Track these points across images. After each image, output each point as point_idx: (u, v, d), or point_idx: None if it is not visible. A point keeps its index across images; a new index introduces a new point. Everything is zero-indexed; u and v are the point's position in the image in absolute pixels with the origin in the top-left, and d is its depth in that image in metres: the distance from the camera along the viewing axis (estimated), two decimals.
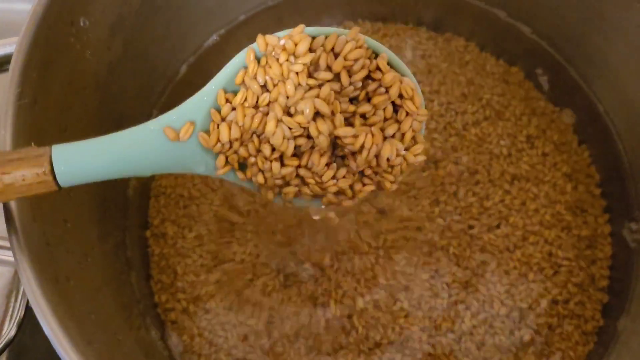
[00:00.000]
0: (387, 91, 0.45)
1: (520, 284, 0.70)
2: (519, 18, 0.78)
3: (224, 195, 0.74)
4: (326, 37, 0.44)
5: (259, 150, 0.46)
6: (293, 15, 0.82)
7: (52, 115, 0.54)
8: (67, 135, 0.57)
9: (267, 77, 0.44)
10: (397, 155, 0.46)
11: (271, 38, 0.45)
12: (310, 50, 0.44)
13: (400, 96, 0.45)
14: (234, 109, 0.45)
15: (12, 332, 0.58)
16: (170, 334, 0.70)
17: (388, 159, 0.46)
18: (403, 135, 0.46)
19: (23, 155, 0.42)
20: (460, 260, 0.71)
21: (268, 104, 0.44)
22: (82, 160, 0.43)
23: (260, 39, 0.45)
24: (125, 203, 0.72)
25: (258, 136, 0.45)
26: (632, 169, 0.73)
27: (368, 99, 0.45)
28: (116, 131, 0.66)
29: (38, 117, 0.52)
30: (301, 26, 0.45)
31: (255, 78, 0.44)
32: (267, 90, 0.44)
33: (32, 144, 0.44)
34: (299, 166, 0.46)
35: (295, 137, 0.44)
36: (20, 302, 0.60)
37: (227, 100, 0.46)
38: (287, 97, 0.44)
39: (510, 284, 0.70)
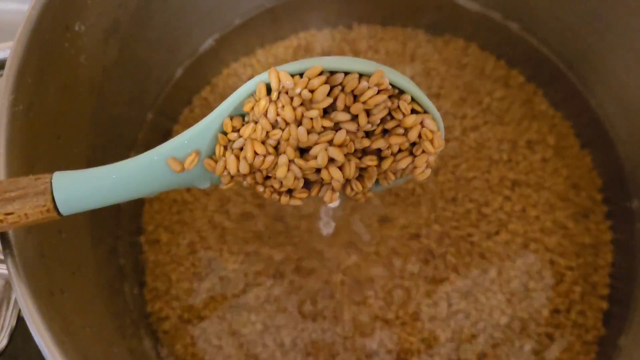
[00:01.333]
0: (405, 131, 0.43)
1: (521, 293, 0.69)
2: (518, 22, 0.78)
3: (218, 201, 0.74)
4: (345, 75, 0.41)
5: (266, 177, 0.44)
6: (289, 18, 0.81)
7: (46, 121, 0.54)
8: (62, 142, 0.56)
9: (279, 118, 0.41)
10: (415, 170, 0.44)
11: (285, 78, 0.41)
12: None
13: (419, 135, 0.43)
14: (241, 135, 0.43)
15: (4, 342, 0.57)
16: (163, 343, 0.69)
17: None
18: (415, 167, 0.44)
19: (22, 191, 0.41)
20: (460, 268, 0.70)
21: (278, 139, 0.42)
22: (84, 190, 0.42)
23: (273, 75, 0.41)
24: (117, 209, 0.72)
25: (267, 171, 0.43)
26: (633, 174, 0.72)
27: (384, 131, 0.43)
28: (110, 136, 0.66)
29: (33, 124, 0.51)
30: (318, 68, 0.41)
31: (265, 115, 0.41)
32: (279, 126, 0.42)
33: (30, 175, 0.43)
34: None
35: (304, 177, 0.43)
36: (12, 312, 0.59)
37: (234, 129, 0.43)
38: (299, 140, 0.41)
39: (511, 293, 0.69)
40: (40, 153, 0.52)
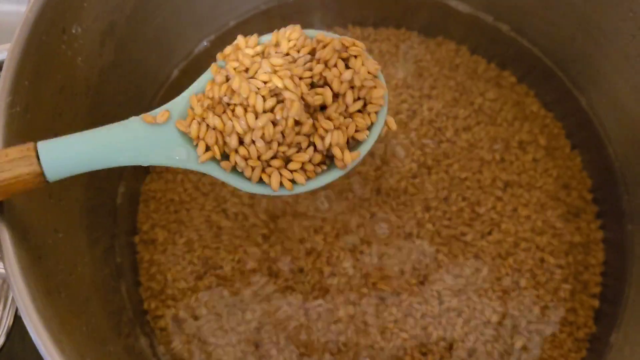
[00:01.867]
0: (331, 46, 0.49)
1: (513, 291, 0.70)
2: (510, 24, 0.79)
3: (214, 200, 0.74)
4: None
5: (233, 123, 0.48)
6: (283, 20, 0.81)
7: (43, 122, 0.54)
8: None
9: (228, 67, 0.49)
10: (358, 76, 0.49)
11: (227, 48, 0.51)
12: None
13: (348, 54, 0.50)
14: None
15: (1, 341, 0.57)
16: (160, 341, 0.70)
17: (353, 86, 0.49)
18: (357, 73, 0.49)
19: (18, 153, 0.44)
20: (452, 267, 0.71)
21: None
22: (66, 148, 0.45)
23: (219, 54, 0.51)
24: (114, 209, 0.72)
25: (232, 111, 0.48)
26: (623, 174, 0.73)
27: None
28: None
29: (29, 125, 0.51)
30: (253, 35, 0.51)
31: (219, 73, 0.49)
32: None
33: None
34: (274, 123, 0.47)
35: (264, 100, 0.47)
36: (9, 311, 0.60)
37: (199, 100, 0.49)
38: (247, 71, 0.48)
39: (503, 291, 0.70)
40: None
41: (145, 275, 0.72)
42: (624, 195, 0.73)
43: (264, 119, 0.46)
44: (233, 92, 0.47)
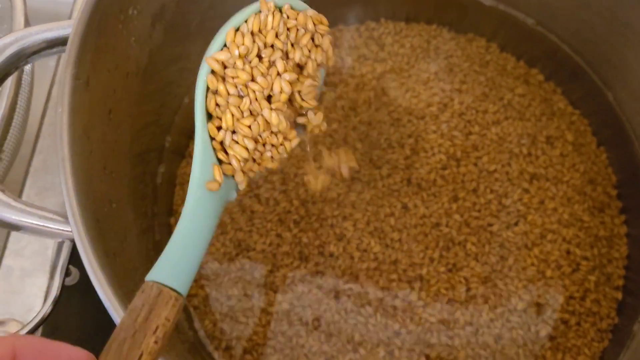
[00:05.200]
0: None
1: (538, 280, 0.71)
2: (540, 21, 0.80)
3: (247, 185, 0.75)
4: (246, 21, 0.51)
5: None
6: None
7: (100, 96, 0.56)
8: (112, 118, 0.59)
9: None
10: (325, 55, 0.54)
11: (220, 55, 0.51)
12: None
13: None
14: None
15: (48, 310, 0.59)
16: (194, 318, 0.72)
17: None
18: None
19: (152, 301, 0.42)
20: (479, 256, 0.72)
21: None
22: (174, 265, 0.45)
23: (210, 61, 0.51)
24: (155, 188, 0.74)
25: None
26: None
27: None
28: (151, 117, 0.69)
29: (90, 98, 0.53)
30: (231, 30, 0.51)
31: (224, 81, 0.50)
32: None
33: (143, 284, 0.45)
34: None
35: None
36: (58, 281, 0.61)
37: (213, 138, 0.50)
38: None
39: (528, 280, 0.71)
40: (95, 124, 0.54)
41: None
42: None
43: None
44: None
